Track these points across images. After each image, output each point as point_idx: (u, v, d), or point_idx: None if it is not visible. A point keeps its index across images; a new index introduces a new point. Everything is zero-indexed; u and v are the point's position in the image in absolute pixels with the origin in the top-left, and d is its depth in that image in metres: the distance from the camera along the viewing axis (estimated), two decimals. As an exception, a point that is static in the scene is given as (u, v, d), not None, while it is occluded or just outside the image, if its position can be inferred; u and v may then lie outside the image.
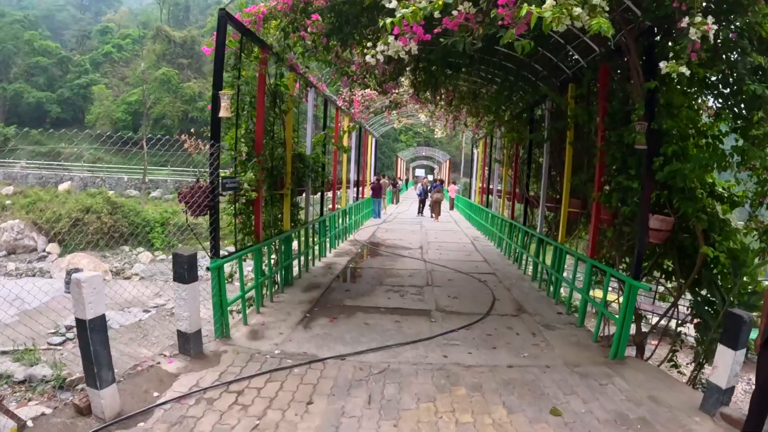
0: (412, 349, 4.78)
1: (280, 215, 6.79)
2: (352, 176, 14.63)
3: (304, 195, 7.87)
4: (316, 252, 8.95)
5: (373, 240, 12.30)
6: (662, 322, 5.87)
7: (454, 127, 12.86)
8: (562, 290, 7.10)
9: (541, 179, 8.00)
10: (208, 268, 4.56)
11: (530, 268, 8.79)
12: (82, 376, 9.09)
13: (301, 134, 8.31)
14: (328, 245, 9.81)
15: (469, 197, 20.05)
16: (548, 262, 8.03)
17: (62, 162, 33.14)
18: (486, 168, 15.54)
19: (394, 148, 56.59)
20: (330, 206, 11.20)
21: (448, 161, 33.94)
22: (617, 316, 4.94)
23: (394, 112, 14.67)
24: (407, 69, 8.63)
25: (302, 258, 7.87)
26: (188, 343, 4.38)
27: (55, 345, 8.67)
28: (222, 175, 5.11)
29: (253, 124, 5.76)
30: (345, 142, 11.12)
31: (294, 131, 7.31)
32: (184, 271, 4.24)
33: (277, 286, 6.65)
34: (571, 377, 4.35)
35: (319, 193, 9.13)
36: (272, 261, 6.78)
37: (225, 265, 4.87)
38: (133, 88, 46.70)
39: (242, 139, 5.49)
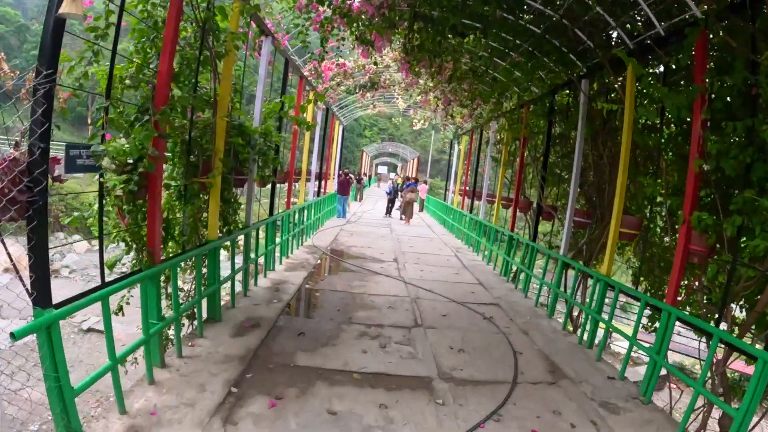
0: (421, 487, 2.60)
1: (204, 215, 4.43)
2: (314, 166, 12.20)
3: (245, 187, 5.46)
4: (261, 263, 6.59)
5: (336, 247, 10.00)
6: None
7: (446, 113, 10.74)
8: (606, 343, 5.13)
9: (570, 185, 6.05)
10: (12, 334, 2.14)
11: (542, 296, 6.86)
12: None
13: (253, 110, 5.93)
14: (278, 254, 7.46)
15: (445, 199, 18.08)
16: (573, 291, 6.13)
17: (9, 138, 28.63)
18: (468, 167, 13.60)
19: (358, 143, 54.45)
20: (285, 202, 8.82)
21: (416, 158, 31.96)
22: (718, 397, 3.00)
23: (368, 94, 12.43)
24: (399, 28, 6.49)
25: (239, 276, 5.50)
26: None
27: None
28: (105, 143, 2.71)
29: (157, 59, 3.35)
30: (309, 117, 8.70)
31: (236, 92, 4.95)
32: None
33: (193, 326, 4.28)
34: None
35: (270, 185, 6.75)
36: (187, 288, 4.42)
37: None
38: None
39: (128, 81, 3.07)
